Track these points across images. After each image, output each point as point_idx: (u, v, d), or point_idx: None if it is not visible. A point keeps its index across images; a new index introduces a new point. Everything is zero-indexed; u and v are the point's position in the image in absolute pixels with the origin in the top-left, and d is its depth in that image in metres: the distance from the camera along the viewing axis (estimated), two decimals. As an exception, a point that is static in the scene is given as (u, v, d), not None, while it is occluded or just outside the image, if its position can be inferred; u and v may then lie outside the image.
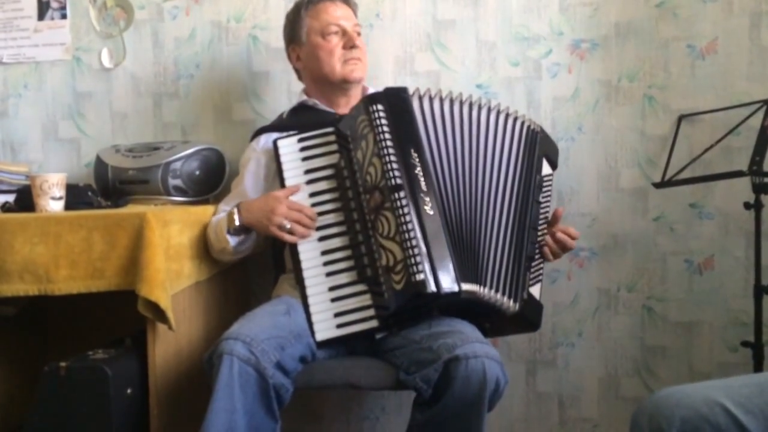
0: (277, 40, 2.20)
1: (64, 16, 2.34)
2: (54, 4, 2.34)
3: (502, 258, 1.67)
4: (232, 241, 1.77)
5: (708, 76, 2.04)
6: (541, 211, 1.78)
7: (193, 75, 2.28)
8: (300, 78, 2.02)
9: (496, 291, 1.63)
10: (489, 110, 1.76)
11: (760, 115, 1.88)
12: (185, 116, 2.29)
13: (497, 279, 1.64)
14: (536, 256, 1.76)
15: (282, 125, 1.93)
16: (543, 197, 1.80)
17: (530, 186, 1.75)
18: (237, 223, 1.74)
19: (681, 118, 2.04)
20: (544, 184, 1.82)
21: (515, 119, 1.80)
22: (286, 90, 2.22)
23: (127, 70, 2.31)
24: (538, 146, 1.81)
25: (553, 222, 1.80)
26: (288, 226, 1.66)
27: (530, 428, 2.17)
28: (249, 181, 1.90)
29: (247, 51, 2.24)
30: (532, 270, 1.75)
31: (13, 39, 2.36)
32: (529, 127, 1.82)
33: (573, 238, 1.79)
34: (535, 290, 1.77)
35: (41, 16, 2.35)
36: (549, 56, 2.12)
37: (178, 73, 2.28)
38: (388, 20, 2.18)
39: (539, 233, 1.76)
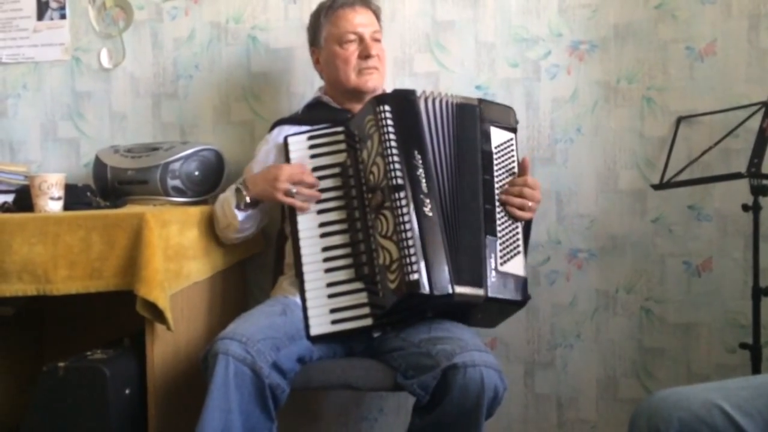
0: (276, 40, 2.21)
1: (63, 16, 2.34)
2: (53, 4, 2.34)
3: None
4: (240, 216, 1.79)
5: (707, 77, 2.04)
6: (500, 182, 1.69)
7: (192, 75, 2.28)
8: (322, 78, 2.01)
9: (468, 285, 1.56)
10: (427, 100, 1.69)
11: (759, 116, 1.87)
12: (184, 117, 2.29)
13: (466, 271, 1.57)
14: (507, 229, 1.66)
15: (297, 119, 1.95)
16: (501, 166, 1.71)
17: (476, 166, 1.67)
18: (247, 199, 1.76)
19: (680, 120, 2.04)
20: (500, 153, 1.72)
21: (446, 103, 1.71)
22: (285, 91, 2.22)
23: (126, 71, 2.31)
24: (476, 120, 1.71)
25: (521, 175, 1.70)
26: (294, 190, 1.68)
27: (528, 430, 2.16)
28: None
29: (246, 52, 2.24)
30: (504, 245, 1.64)
31: (12, 39, 2.36)
32: (458, 104, 1.72)
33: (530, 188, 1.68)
34: (515, 265, 1.64)
35: (40, 16, 2.35)
36: (548, 57, 2.12)
37: (177, 74, 2.28)
38: (387, 21, 2.16)
39: (498, 208, 1.66)
